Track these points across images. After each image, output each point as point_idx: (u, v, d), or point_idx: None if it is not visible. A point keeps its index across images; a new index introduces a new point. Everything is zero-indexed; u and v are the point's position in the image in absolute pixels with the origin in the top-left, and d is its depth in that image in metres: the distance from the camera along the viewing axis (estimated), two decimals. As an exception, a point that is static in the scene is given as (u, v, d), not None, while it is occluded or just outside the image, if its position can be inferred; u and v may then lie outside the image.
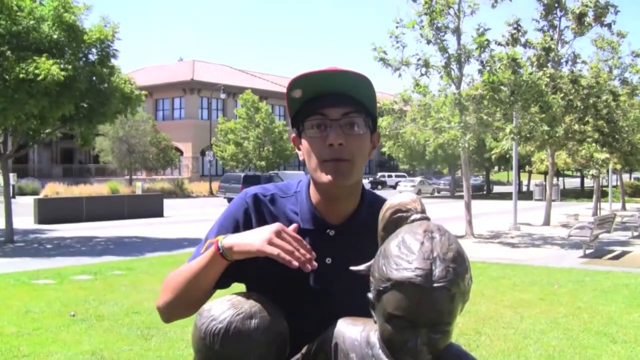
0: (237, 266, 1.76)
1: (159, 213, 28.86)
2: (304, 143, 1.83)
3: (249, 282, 1.91)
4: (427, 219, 1.50)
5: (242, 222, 1.88)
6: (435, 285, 1.36)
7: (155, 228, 22.97)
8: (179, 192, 47.61)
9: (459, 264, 1.40)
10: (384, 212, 1.57)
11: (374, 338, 1.57)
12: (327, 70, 1.78)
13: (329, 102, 1.76)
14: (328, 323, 1.68)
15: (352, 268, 1.61)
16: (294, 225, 1.73)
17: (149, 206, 28.96)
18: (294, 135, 1.91)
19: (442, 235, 1.43)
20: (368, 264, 1.55)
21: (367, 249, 1.61)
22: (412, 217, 1.51)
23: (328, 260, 1.82)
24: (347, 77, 1.76)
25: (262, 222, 1.85)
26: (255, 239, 1.65)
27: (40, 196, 35.28)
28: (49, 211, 25.03)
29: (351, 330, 1.64)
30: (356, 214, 1.88)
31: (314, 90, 1.78)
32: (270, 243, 1.63)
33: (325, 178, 1.76)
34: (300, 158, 1.89)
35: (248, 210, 1.90)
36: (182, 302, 1.83)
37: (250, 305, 1.62)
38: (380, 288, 1.43)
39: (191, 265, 1.79)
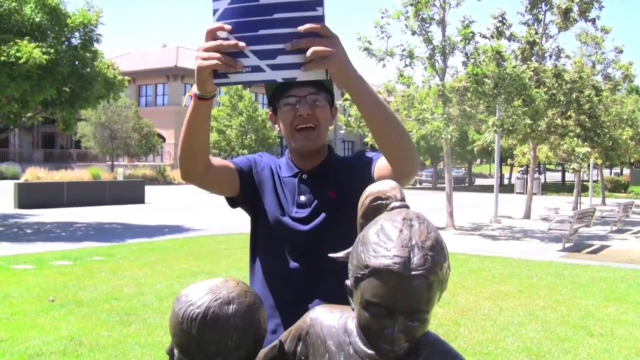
0: (247, 197, 2.38)
1: (140, 199, 28.75)
2: (280, 115, 2.32)
3: (254, 215, 2.43)
4: (407, 206, 1.50)
5: (253, 162, 2.44)
6: (413, 273, 1.36)
7: (136, 214, 22.87)
8: (161, 178, 47.39)
9: (437, 252, 1.40)
10: (363, 199, 1.57)
11: (352, 325, 1.58)
12: None
13: (297, 84, 2.22)
14: (322, 269, 2.21)
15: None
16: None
17: (130, 192, 28.82)
18: (270, 113, 2.41)
19: (421, 223, 1.43)
20: (347, 251, 1.56)
21: (331, 185, 2.32)
22: (392, 205, 1.50)
23: (302, 198, 2.34)
24: None
25: (261, 165, 2.44)
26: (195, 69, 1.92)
27: (21, 180, 34.99)
28: (29, 196, 24.84)
29: (329, 318, 1.64)
30: (323, 164, 2.39)
31: None
32: (201, 59, 1.86)
33: (300, 142, 2.30)
34: (276, 130, 2.39)
35: (257, 157, 2.49)
36: (187, 152, 2.15)
37: (228, 291, 1.62)
38: (358, 275, 1.43)
39: (185, 119, 2.09)
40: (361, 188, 2.02)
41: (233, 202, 2.44)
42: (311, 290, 2.26)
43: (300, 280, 2.28)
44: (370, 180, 2.13)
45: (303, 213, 2.31)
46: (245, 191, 2.38)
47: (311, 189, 2.34)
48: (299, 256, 2.30)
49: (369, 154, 2.37)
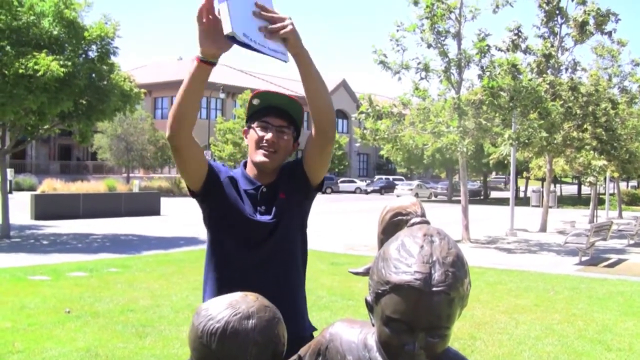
0: (208, 192, 2.70)
1: (156, 211, 28.85)
2: (252, 134, 2.73)
3: (215, 212, 2.74)
4: (427, 222, 1.50)
5: (220, 166, 2.78)
6: (434, 289, 1.35)
7: (151, 226, 22.96)
8: (176, 190, 47.45)
9: (458, 269, 1.39)
10: (384, 215, 1.57)
11: (372, 341, 1.57)
12: (278, 93, 2.80)
13: (273, 114, 2.71)
14: (273, 249, 2.66)
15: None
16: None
17: (146, 204, 28.95)
18: (245, 129, 2.80)
19: (442, 239, 1.42)
20: (367, 266, 1.56)
21: (281, 190, 2.72)
22: (412, 221, 1.50)
23: (263, 208, 2.70)
24: (289, 100, 2.76)
25: (225, 172, 2.75)
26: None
27: (38, 192, 35.22)
28: (45, 207, 25.00)
29: (348, 333, 1.64)
30: (278, 177, 2.76)
31: (267, 102, 2.75)
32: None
33: (260, 159, 2.69)
34: (245, 143, 2.90)
35: (220, 164, 2.80)
36: (178, 111, 2.47)
37: (247, 305, 1.62)
38: (379, 291, 1.43)
39: (185, 79, 2.46)
40: (297, 181, 2.73)
41: (194, 194, 2.77)
42: (262, 273, 2.66)
43: (254, 266, 2.67)
44: (301, 164, 2.74)
45: (265, 218, 2.70)
46: (209, 187, 2.70)
47: (270, 198, 2.73)
48: (258, 244, 2.68)
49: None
